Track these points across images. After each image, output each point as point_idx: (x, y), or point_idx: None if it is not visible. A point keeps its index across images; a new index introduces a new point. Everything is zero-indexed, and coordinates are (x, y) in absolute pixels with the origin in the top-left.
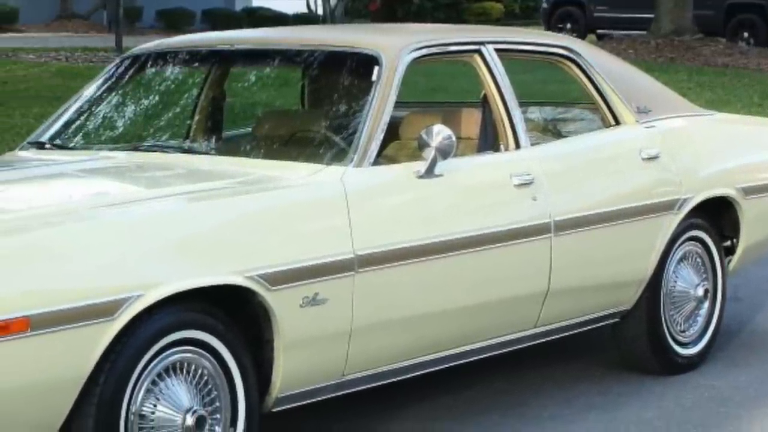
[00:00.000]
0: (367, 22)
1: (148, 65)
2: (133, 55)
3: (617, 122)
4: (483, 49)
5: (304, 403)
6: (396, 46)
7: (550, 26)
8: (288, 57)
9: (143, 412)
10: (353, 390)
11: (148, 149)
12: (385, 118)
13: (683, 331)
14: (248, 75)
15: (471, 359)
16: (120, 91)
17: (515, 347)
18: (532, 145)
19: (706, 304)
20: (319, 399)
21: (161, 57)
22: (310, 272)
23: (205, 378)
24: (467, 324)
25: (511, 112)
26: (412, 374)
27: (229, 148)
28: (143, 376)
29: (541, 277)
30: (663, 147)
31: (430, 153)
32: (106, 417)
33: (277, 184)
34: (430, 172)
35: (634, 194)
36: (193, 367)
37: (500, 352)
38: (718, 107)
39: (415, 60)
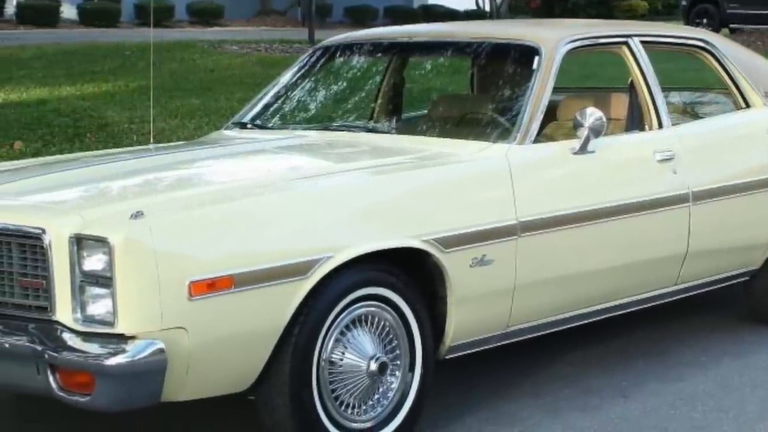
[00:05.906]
0: (529, 17)
1: (337, 55)
2: (323, 47)
3: (747, 105)
4: (630, 41)
5: (473, 351)
6: (554, 38)
7: (689, 21)
8: (459, 48)
9: (333, 359)
10: (517, 340)
11: (337, 129)
12: (544, 102)
13: None
14: (424, 64)
15: (618, 313)
16: (312, 78)
17: (658, 302)
18: (673, 125)
19: None
20: (487, 347)
21: (348, 48)
22: (479, 236)
23: (387, 329)
24: (615, 282)
25: (655, 96)
26: (567, 326)
27: (408, 127)
28: (333, 327)
29: (680, 241)
30: None
31: (583, 132)
32: (300, 363)
33: (449, 159)
34: (583, 149)
35: (761, 168)
36: (376, 320)
37: (644, 306)
38: None
39: (571, 51)
